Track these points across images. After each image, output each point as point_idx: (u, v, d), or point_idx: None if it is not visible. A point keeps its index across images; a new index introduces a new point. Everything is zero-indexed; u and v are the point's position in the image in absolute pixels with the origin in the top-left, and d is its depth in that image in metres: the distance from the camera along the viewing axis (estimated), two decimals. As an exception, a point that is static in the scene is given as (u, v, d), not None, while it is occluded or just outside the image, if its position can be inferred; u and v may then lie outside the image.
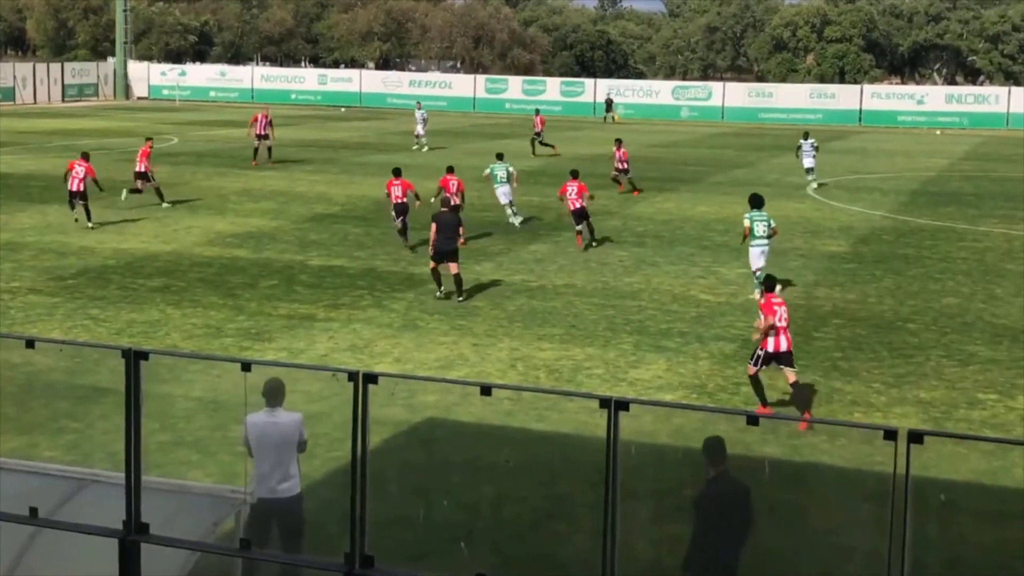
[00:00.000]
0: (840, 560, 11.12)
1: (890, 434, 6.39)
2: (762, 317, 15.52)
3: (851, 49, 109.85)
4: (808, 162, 40.45)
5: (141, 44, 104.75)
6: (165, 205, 32.25)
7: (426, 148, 50.54)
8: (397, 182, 26.82)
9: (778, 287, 16.44)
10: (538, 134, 50.68)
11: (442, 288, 21.82)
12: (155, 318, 19.89)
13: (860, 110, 76.69)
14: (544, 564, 11.10)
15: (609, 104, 75.53)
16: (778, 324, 15.44)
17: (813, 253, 27.41)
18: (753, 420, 7.01)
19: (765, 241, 22.21)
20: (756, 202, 22.50)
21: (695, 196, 37.48)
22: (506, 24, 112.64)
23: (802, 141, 41.17)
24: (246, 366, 7.45)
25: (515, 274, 24.15)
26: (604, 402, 6.84)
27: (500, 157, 31.76)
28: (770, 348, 15.44)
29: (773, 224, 22.47)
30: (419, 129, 52.00)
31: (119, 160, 44.06)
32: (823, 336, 19.60)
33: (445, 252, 21.64)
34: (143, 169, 32.86)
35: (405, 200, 26.48)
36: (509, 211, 30.75)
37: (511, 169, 30.99)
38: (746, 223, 22.41)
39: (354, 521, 7.19)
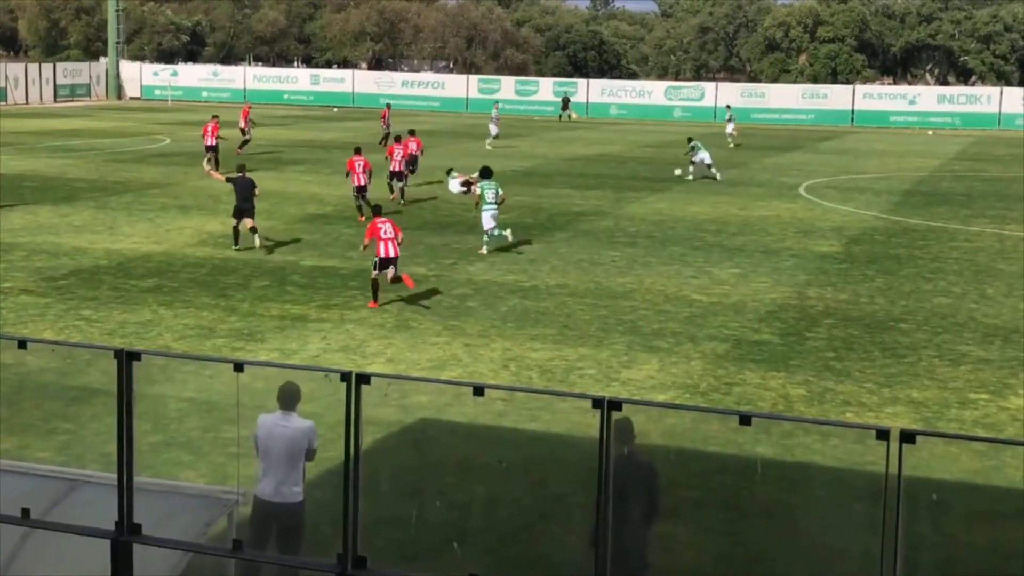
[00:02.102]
0: (832, 560, 11.13)
1: (882, 434, 6.40)
2: (372, 237, 21.10)
3: (843, 49, 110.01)
4: (706, 159, 42.13)
5: (133, 44, 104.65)
6: (208, 167, 36.60)
7: (489, 147, 51.85)
8: (359, 159, 30.50)
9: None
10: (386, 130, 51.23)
11: (239, 243, 26.16)
12: (147, 319, 19.86)
13: (852, 110, 76.76)
14: (537, 564, 11.11)
15: (565, 103, 75.88)
16: (384, 237, 20.96)
17: (805, 253, 27.44)
18: (746, 420, 7.02)
19: (494, 206, 26.62)
20: (486, 173, 27.57)
21: (687, 196, 37.51)
22: (499, 24, 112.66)
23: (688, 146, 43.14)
24: (238, 367, 7.45)
25: (508, 274, 24.15)
26: (597, 402, 6.84)
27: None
28: (382, 254, 20.83)
29: (501, 192, 26.99)
30: (493, 129, 53.61)
31: (109, 160, 44.02)
32: (815, 336, 19.62)
33: (243, 209, 26.13)
34: (213, 143, 38.93)
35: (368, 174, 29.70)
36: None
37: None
38: (477, 191, 27.26)
39: (347, 521, 7.19)
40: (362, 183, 30.50)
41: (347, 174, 31.24)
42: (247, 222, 25.99)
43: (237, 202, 26.10)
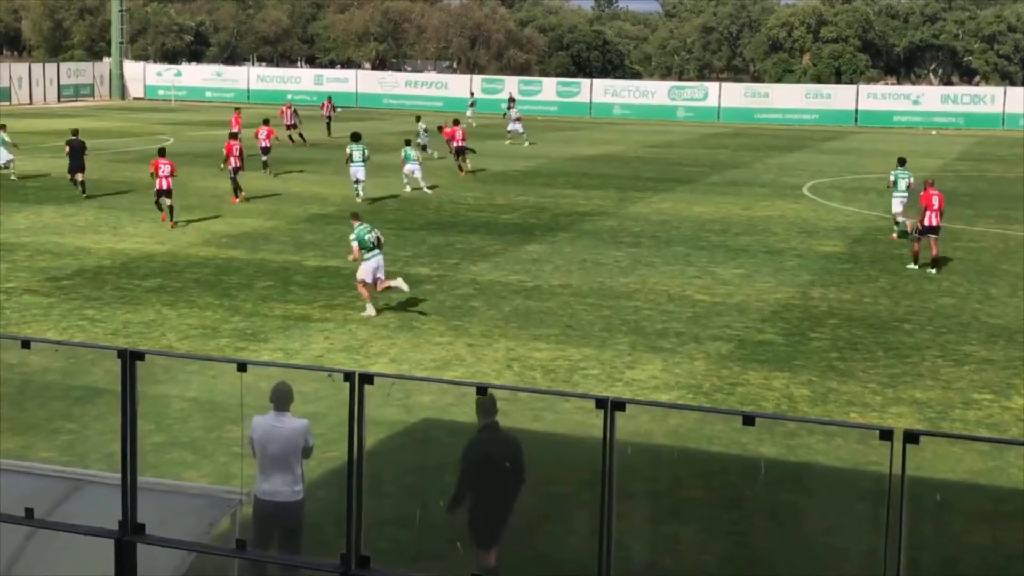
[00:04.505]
0: (836, 560, 11.13)
1: (886, 434, 6.40)
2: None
3: (847, 49, 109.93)
4: (515, 127, 53.58)
5: (137, 44, 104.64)
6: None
7: (526, 143, 55.26)
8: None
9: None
10: (328, 119, 56.06)
11: (85, 192, 33.35)
12: (151, 319, 19.88)
13: (856, 110, 76.68)
14: (540, 564, 11.10)
15: (511, 102, 76.52)
16: (161, 175, 29.06)
17: (809, 253, 27.43)
18: (749, 421, 7.01)
19: (361, 163, 33.65)
20: (355, 137, 34.25)
21: (691, 196, 37.50)
22: (502, 24, 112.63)
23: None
24: (242, 367, 7.45)
25: (511, 274, 24.15)
26: (600, 402, 6.84)
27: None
28: (157, 187, 29.19)
29: (367, 153, 34.04)
30: (515, 127, 56.69)
31: (113, 161, 44.03)
32: (819, 336, 19.61)
33: (78, 165, 33.57)
34: (236, 133, 41.13)
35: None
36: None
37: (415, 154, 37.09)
38: (347, 151, 34.03)
39: (350, 521, 7.19)
40: (239, 165, 33.84)
41: (225, 158, 34.39)
42: (79, 175, 33.57)
43: (70, 160, 33.70)
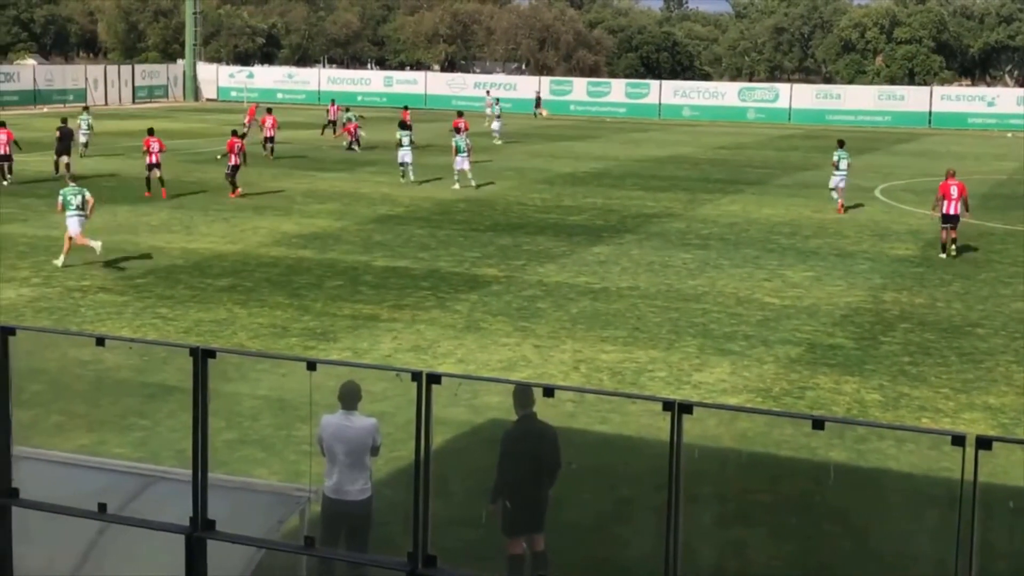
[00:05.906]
0: (905, 567, 10.99)
1: (958, 440, 6.32)
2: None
3: (921, 50, 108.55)
4: (496, 125, 56.46)
5: (210, 46, 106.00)
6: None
7: (499, 142, 55.66)
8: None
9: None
10: (331, 122, 56.44)
11: (59, 172, 36.13)
12: (222, 317, 20.10)
13: (930, 112, 75.70)
14: (606, 567, 11.09)
15: (538, 101, 77.17)
16: (152, 151, 33.46)
17: (881, 256, 27.12)
18: (819, 425, 6.95)
19: (408, 147, 38.29)
20: (403, 126, 38.58)
21: (760, 198, 37.24)
22: (571, 26, 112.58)
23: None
24: (311, 365, 7.50)
25: (578, 276, 24.13)
26: (667, 405, 6.81)
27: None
28: (147, 161, 33.82)
29: (414, 138, 39.09)
30: (496, 126, 57.25)
31: (186, 161, 44.56)
32: (891, 340, 19.39)
33: (65, 150, 37.41)
34: (271, 134, 45.39)
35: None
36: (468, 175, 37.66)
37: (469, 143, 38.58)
38: (396, 135, 39.08)
39: (417, 521, 7.22)
40: (237, 163, 34.72)
41: (226, 154, 35.08)
42: (64, 159, 37.09)
43: (58, 145, 37.38)
